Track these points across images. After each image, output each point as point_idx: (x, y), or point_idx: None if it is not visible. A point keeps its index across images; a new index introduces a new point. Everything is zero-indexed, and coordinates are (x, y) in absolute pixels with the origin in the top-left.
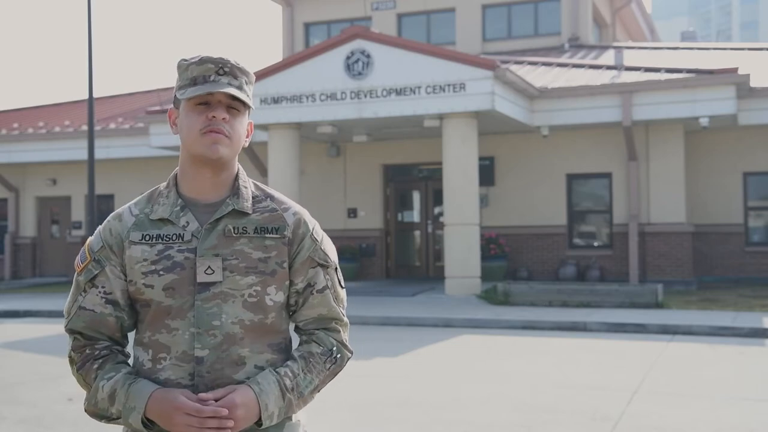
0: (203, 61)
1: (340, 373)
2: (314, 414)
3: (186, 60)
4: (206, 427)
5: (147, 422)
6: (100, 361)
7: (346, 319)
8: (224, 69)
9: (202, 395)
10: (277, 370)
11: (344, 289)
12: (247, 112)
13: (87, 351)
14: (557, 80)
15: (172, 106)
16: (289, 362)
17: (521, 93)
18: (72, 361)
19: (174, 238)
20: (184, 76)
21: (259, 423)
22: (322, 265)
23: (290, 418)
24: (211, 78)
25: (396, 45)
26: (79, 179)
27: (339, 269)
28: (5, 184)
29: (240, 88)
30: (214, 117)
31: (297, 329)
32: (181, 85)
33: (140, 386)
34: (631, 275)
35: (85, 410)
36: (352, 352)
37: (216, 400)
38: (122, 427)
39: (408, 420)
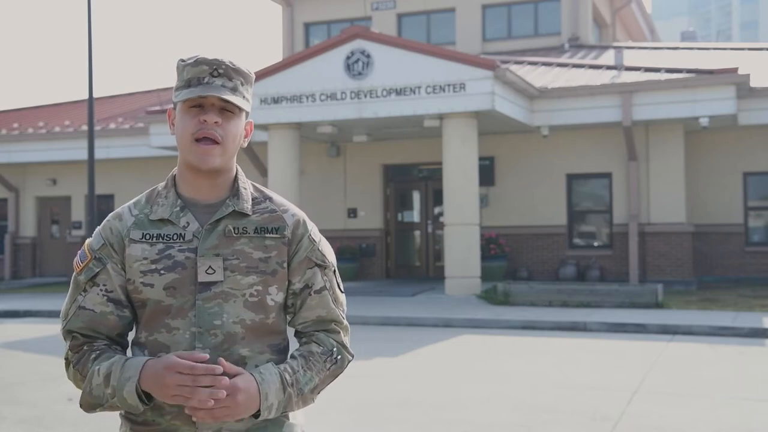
0: (198, 62)
1: (340, 375)
2: (314, 414)
3: (183, 60)
4: (199, 385)
5: (143, 396)
6: (97, 352)
7: (346, 322)
8: (218, 70)
9: (202, 356)
10: (277, 365)
11: (343, 293)
12: (243, 113)
13: (84, 348)
14: (557, 80)
15: (171, 106)
16: (289, 360)
17: (521, 93)
18: (68, 362)
19: (175, 237)
20: (180, 77)
21: (257, 414)
22: (319, 266)
23: (288, 418)
24: (205, 80)
25: (396, 45)
26: (79, 179)
27: (337, 272)
28: (5, 184)
29: (234, 89)
30: (205, 121)
31: (297, 334)
32: (177, 87)
33: (136, 359)
34: (631, 275)
35: (80, 404)
36: (352, 355)
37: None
38: (120, 429)
39: (408, 420)
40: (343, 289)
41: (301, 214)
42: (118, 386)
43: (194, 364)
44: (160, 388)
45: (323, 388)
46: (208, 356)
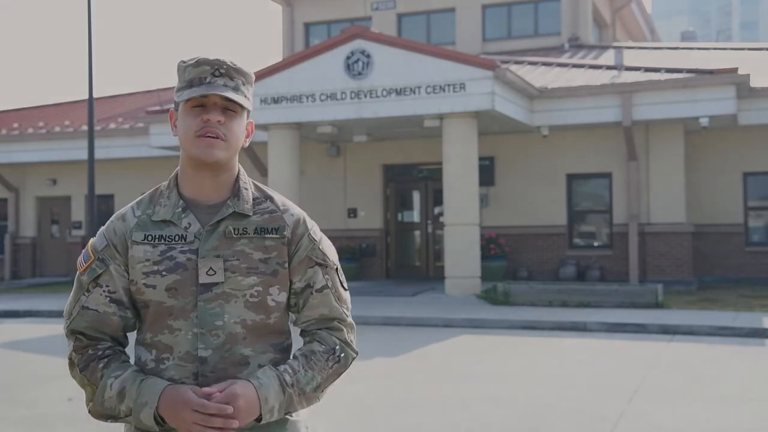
0: (199, 62)
1: (345, 373)
2: (314, 414)
3: (185, 62)
4: (211, 425)
5: (159, 420)
6: (105, 360)
7: (350, 319)
8: (220, 70)
9: (206, 390)
10: (276, 366)
11: (347, 291)
12: (245, 112)
13: (90, 351)
14: (557, 80)
15: (172, 106)
16: (289, 360)
17: (521, 93)
18: (72, 363)
19: (176, 239)
20: (181, 78)
21: (259, 418)
22: (320, 265)
23: (290, 416)
24: (207, 80)
25: (396, 45)
26: (79, 179)
27: (340, 270)
28: (5, 184)
29: (236, 89)
30: (208, 120)
31: (301, 333)
32: (179, 87)
33: (152, 382)
34: (631, 275)
35: (90, 411)
36: (357, 353)
37: (220, 392)
38: (124, 427)
39: (408, 420)
40: (346, 287)
41: (302, 214)
42: (135, 408)
43: (206, 402)
44: (176, 421)
45: (327, 386)
46: (218, 392)
